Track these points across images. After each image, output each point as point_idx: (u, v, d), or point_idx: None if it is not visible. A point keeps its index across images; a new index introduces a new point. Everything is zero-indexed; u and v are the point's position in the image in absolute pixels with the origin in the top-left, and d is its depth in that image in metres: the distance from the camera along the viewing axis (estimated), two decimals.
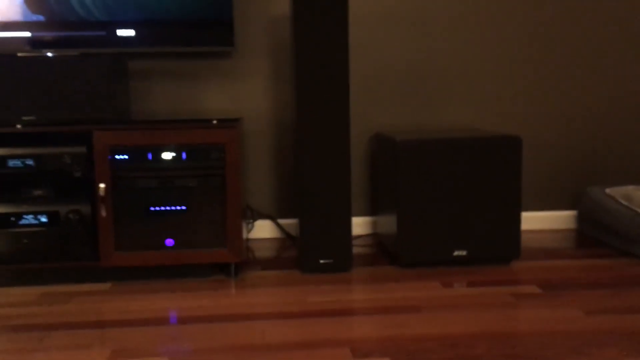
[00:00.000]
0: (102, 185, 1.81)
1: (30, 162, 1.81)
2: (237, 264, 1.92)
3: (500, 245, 1.96)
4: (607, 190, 2.27)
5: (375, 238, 2.36)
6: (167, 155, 1.83)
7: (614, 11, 2.38)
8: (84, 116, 1.88)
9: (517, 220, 1.95)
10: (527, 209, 2.46)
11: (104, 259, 1.84)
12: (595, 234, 2.29)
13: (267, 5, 2.30)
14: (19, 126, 1.82)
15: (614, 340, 1.41)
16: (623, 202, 2.17)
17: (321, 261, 1.93)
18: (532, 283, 1.81)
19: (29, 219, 1.81)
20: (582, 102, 2.43)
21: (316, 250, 1.93)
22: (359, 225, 2.42)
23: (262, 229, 2.40)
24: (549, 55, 2.40)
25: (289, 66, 2.33)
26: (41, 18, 2.00)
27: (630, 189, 2.29)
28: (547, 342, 1.41)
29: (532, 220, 2.46)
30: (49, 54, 1.97)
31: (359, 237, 2.38)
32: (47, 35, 2.01)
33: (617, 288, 1.76)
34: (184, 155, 1.84)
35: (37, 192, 1.88)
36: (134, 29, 2.02)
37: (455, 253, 1.95)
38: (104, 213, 1.82)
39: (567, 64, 2.40)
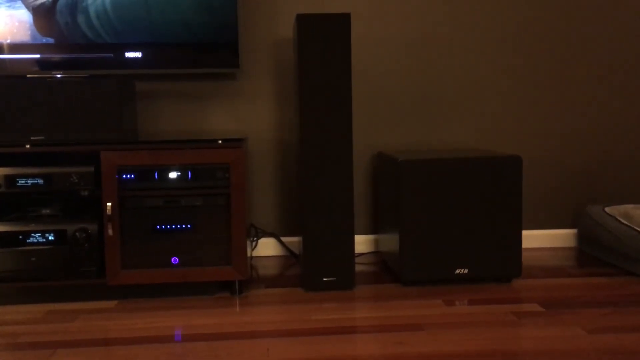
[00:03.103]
0: (109, 204, 1.84)
1: (38, 181, 1.84)
2: (241, 281, 1.94)
3: (502, 264, 1.97)
4: (607, 209, 2.29)
5: (378, 256, 2.38)
6: (173, 175, 1.86)
7: (615, 32, 2.42)
8: (92, 136, 1.91)
9: (518, 239, 1.97)
10: (528, 228, 2.48)
11: (111, 277, 1.86)
12: (596, 252, 2.31)
13: (271, 28, 2.35)
14: (28, 146, 1.86)
15: (616, 359, 1.42)
16: (623, 220, 2.19)
17: (324, 279, 1.95)
18: (533, 301, 1.82)
19: (36, 237, 1.84)
20: (581, 122, 2.46)
21: (319, 268, 1.95)
22: (362, 243, 2.44)
23: (266, 247, 2.43)
24: (548, 75, 2.43)
25: (293, 87, 2.37)
26: (50, 40, 2.04)
27: (629, 207, 2.31)
28: None
29: (533, 238, 2.47)
30: (58, 76, 2.01)
31: (361, 255, 2.40)
32: (56, 57, 2.05)
33: (618, 306, 1.77)
34: (189, 175, 1.87)
35: (45, 211, 1.91)
36: (141, 51, 2.07)
37: (457, 271, 1.97)
38: (110, 232, 1.84)
39: (566, 83, 2.44)
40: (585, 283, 2.00)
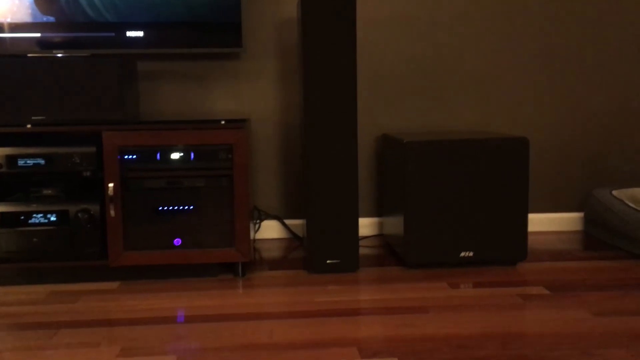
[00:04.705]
0: (111, 185, 1.82)
1: (40, 161, 1.83)
2: (244, 263, 1.93)
3: (507, 247, 1.96)
4: (614, 192, 2.27)
5: (382, 239, 2.37)
6: (175, 156, 1.84)
7: (622, 13, 2.38)
8: (94, 116, 1.89)
9: (524, 222, 1.95)
10: (534, 211, 2.45)
11: (113, 258, 1.85)
12: (602, 235, 2.29)
13: (275, 7, 2.32)
14: (29, 126, 1.84)
15: (622, 342, 1.41)
16: (630, 203, 2.17)
17: (328, 261, 1.94)
18: (539, 284, 1.81)
19: (38, 218, 1.83)
20: (589, 104, 2.43)
21: (323, 250, 1.93)
22: (366, 226, 2.43)
23: (269, 230, 2.41)
24: (556, 56, 2.40)
25: (297, 67, 2.34)
26: (51, 19, 2.01)
27: (637, 190, 2.29)
28: (555, 343, 1.41)
29: (539, 221, 2.45)
30: (59, 55, 1.98)
31: (365, 237, 2.38)
32: (57, 36, 2.03)
33: (625, 289, 1.76)
34: (192, 156, 1.85)
35: (47, 192, 1.90)
36: (143, 31, 2.04)
37: (462, 254, 1.95)
38: (112, 213, 1.83)
39: (574, 65, 2.40)
40: (591, 266, 1.98)
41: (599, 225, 2.30)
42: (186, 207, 1.86)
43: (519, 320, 1.54)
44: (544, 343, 1.41)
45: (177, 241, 1.87)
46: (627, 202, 2.19)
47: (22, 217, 1.82)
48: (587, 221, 2.40)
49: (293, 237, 2.41)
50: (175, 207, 1.86)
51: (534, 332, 1.47)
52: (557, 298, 1.69)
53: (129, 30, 2.03)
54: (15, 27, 2.01)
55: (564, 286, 1.79)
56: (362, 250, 2.20)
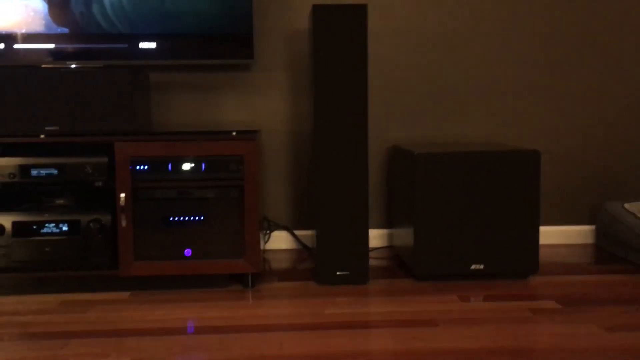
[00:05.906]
0: (122, 195, 1.83)
1: (52, 171, 1.84)
2: (253, 274, 1.93)
3: (518, 260, 1.94)
4: (626, 205, 2.25)
5: (392, 251, 2.36)
6: (186, 166, 1.85)
7: (633, 24, 2.37)
8: (106, 127, 1.90)
9: (535, 235, 1.94)
10: (546, 224, 2.44)
11: (123, 268, 1.86)
12: (613, 249, 2.27)
13: (286, 19, 2.33)
14: (42, 136, 1.86)
15: (635, 357, 1.39)
16: None
17: (338, 273, 1.94)
18: (550, 298, 1.79)
19: (50, 227, 1.84)
20: (600, 117, 2.42)
21: (333, 262, 1.93)
22: (376, 237, 2.42)
23: (279, 240, 2.41)
24: (568, 69, 2.39)
25: (308, 79, 2.35)
26: (65, 30, 2.04)
27: None
28: (567, 358, 1.40)
29: (550, 234, 2.44)
30: (72, 66, 2.01)
31: (375, 249, 2.38)
32: (71, 47, 2.05)
33: (637, 304, 1.74)
34: (203, 167, 1.85)
35: (59, 201, 1.91)
36: (155, 42, 2.06)
37: (473, 267, 1.94)
38: (124, 223, 1.84)
39: (585, 77, 2.40)
40: (603, 280, 1.97)
41: (611, 239, 2.28)
42: (197, 218, 1.87)
43: (530, 335, 1.53)
44: (554, 358, 1.39)
45: (188, 252, 1.87)
46: (639, 215, 2.17)
47: (35, 227, 1.84)
48: (599, 234, 2.38)
49: (303, 248, 2.41)
50: (186, 218, 1.87)
51: (545, 347, 1.45)
52: (568, 312, 1.68)
53: (141, 42, 2.05)
54: (29, 38, 2.03)
55: (576, 300, 1.77)
56: (372, 262, 2.19)
